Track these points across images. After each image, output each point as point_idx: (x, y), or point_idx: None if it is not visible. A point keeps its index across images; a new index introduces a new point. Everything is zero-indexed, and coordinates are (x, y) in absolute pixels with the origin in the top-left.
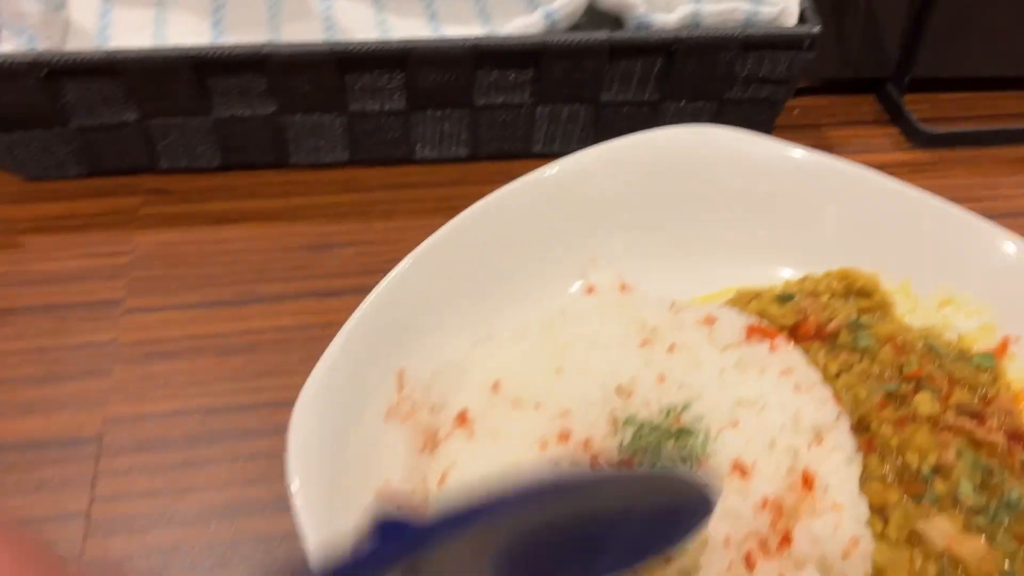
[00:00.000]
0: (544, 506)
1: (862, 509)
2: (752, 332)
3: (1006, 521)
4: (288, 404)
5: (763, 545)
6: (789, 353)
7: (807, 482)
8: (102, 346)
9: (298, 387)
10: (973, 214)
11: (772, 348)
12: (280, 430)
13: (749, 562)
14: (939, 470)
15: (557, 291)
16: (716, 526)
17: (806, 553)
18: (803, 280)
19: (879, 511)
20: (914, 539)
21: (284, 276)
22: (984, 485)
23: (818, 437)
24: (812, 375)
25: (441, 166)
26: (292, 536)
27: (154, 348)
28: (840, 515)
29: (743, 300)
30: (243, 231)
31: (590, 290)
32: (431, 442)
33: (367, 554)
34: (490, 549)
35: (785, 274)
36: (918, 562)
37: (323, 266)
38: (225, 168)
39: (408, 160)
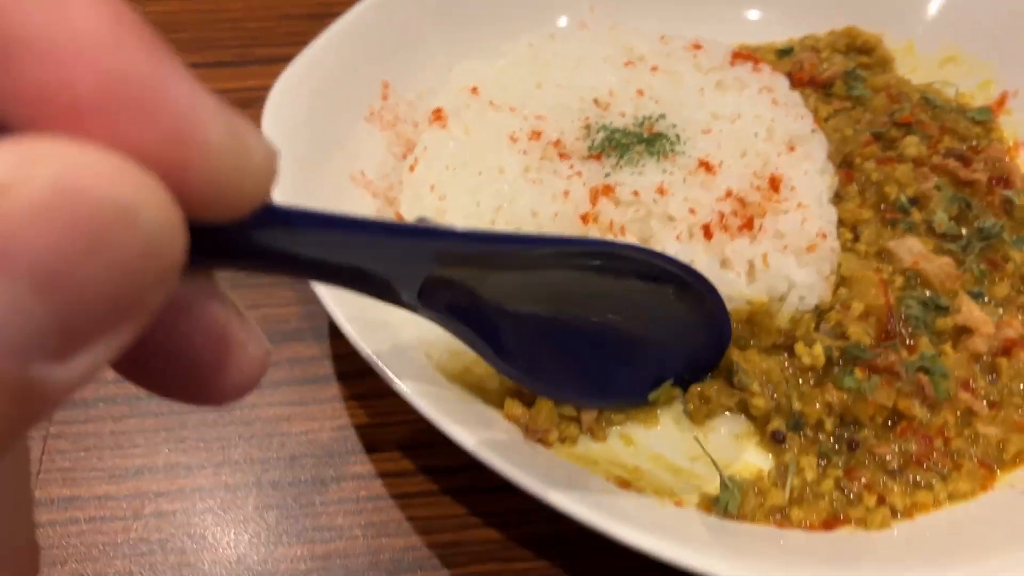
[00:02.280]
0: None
1: (830, 214)
2: (737, 56)
3: (978, 248)
4: None
5: (722, 221)
6: (773, 76)
7: (774, 184)
8: None
9: None
10: None
11: (755, 69)
12: None
13: (707, 232)
14: (917, 201)
15: (546, 24)
16: (677, 207)
17: (772, 242)
18: (805, 37)
19: (851, 228)
20: (883, 256)
21: (284, 41)
22: (961, 218)
23: (791, 146)
24: (794, 96)
25: None
26: None
27: None
28: (805, 213)
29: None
30: (245, 1)
31: (582, 26)
32: (411, 152)
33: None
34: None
35: (785, 34)
36: (885, 274)
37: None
38: None
39: None
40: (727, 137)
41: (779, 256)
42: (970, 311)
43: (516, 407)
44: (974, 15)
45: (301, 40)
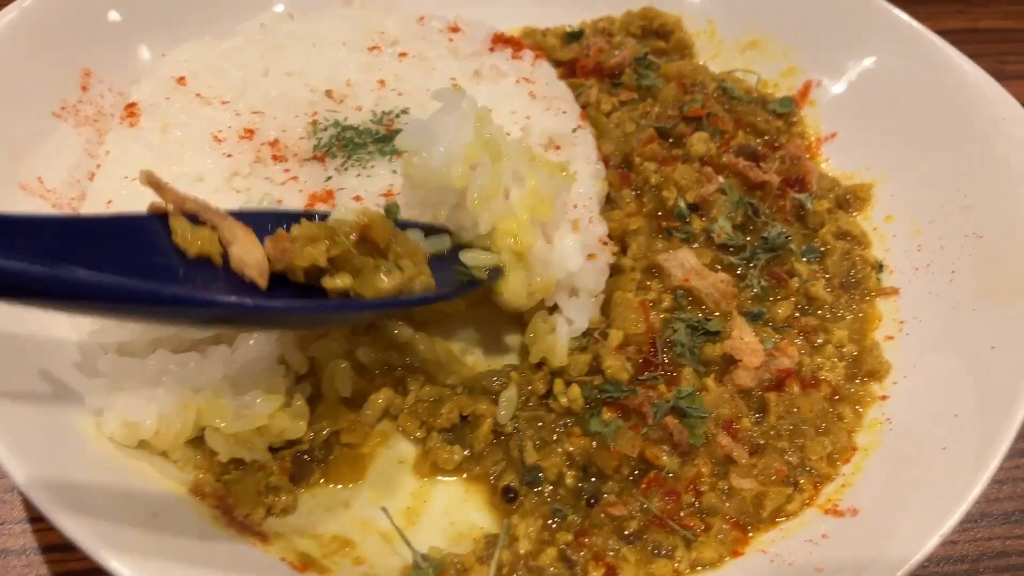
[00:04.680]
0: None
1: (600, 226)
2: (497, 41)
3: (763, 260)
4: None
5: None
6: (537, 64)
7: None
8: None
9: None
10: None
11: (515, 56)
12: None
13: None
14: (697, 207)
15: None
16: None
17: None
18: (599, 20)
19: (619, 240)
20: (654, 271)
21: None
22: (748, 225)
23: (556, 146)
24: (559, 88)
25: None
26: None
27: None
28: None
29: (527, 37)
30: None
31: (346, 2)
32: None
33: None
34: None
35: (583, 15)
36: (653, 292)
37: None
38: None
39: None
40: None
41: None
42: (740, 337)
43: (207, 482)
44: None
45: None
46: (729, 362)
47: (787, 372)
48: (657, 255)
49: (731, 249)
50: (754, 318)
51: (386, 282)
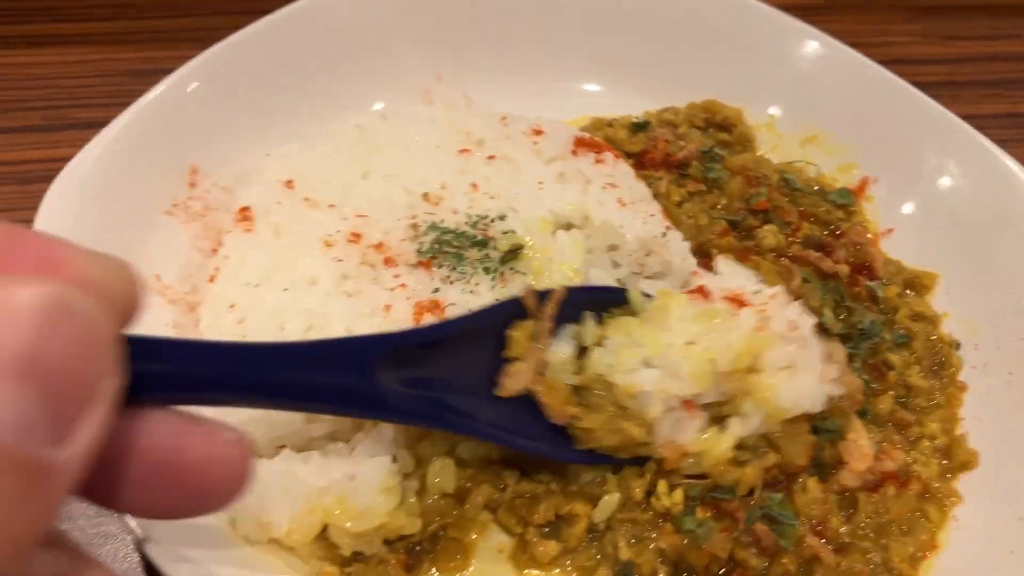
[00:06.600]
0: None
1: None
2: (579, 144)
3: (864, 352)
4: None
5: None
6: (616, 165)
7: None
8: None
9: None
10: (850, 50)
11: (598, 161)
12: None
13: None
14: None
15: (385, 102)
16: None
17: None
18: (664, 111)
19: None
20: None
21: (101, 102)
22: (837, 314)
23: (647, 250)
24: (641, 190)
25: None
26: None
27: None
28: None
29: (596, 128)
30: (60, 55)
31: (425, 95)
32: (222, 247)
33: None
34: None
35: (647, 105)
36: None
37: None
38: None
39: None
40: (568, 248)
41: None
42: (856, 439)
43: (333, 574)
44: (835, 96)
45: (124, 101)
46: (839, 463)
47: (888, 476)
48: None
49: (843, 339)
50: (862, 415)
51: None
